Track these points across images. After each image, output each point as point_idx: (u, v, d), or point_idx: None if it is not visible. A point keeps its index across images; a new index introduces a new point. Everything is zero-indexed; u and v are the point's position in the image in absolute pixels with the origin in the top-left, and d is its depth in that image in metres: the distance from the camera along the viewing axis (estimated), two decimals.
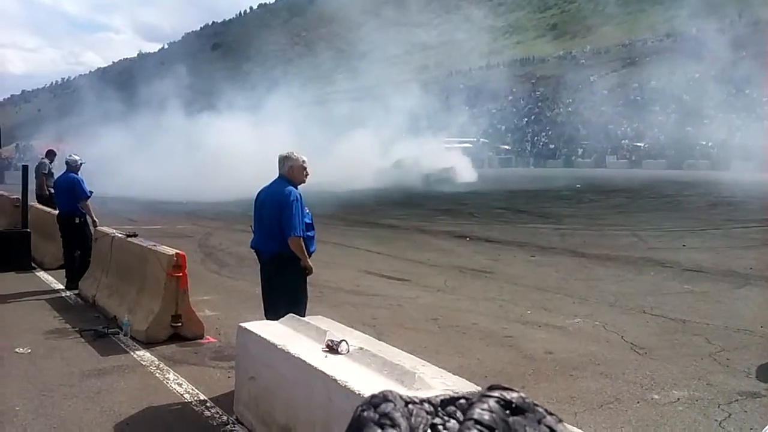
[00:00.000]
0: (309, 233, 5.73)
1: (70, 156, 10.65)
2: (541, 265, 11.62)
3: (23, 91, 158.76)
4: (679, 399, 5.26)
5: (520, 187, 29.82)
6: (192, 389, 5.50)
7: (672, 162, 44.79)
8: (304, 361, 3.99)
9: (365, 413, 0.76)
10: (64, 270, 10.29)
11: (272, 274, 5.75)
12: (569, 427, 0.73)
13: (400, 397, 0.76)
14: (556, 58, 79.78)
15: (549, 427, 0.70)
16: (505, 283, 10.09)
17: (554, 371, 5.99)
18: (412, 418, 0.73)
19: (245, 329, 4.80)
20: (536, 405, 0.71)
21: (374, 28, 69.98)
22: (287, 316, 5.01)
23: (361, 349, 4.09)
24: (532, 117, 63.17)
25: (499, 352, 6.70)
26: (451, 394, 0.76)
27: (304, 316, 5.26)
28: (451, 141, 40.16)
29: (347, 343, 4.14)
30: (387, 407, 0.73)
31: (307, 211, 5.73)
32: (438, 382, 3.59)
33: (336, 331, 4.53)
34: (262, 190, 5.92)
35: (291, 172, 5.73)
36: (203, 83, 35.18)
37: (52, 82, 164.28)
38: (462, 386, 3.56)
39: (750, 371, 5.87)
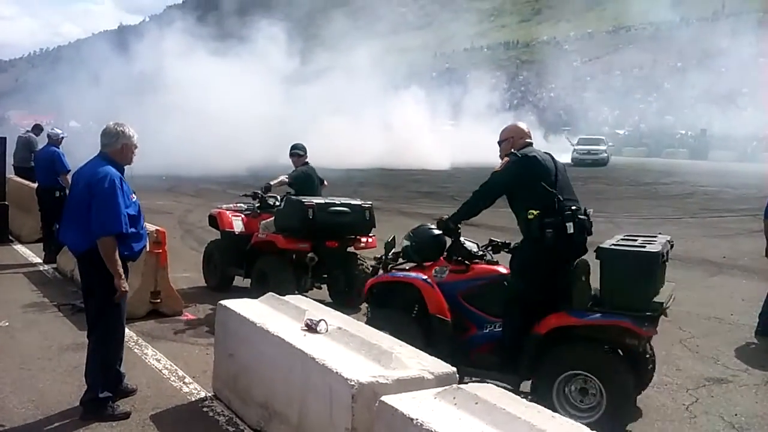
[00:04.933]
0: (132, 230, 4.54)
1: (52, 129, 10.61)
2: None
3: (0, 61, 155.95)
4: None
5: None
6: (170, 365, 5.54)
7: (652, 150, 45.13)
8: (282, 340, 4.04)
9: None
10: (41, 243, 10.24)
11: (88, 276, 4.62)
12: None
13: None
14: (540, 43, 79.81)
15: None
16: None
17: None
18: None
19: (225, 307, 4.84)
20: None
21: (359, 7, 69.54)
22: (267, 294, 5.05)
23: (339, 329, 4.15)
24: (515, 101, 63.24)
25: None
26: None
27: (120, 334, 4.74)
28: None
29: (326, 322, 4.20)
30: None
31: (134, 198, 4.65)
32: (414, 362, 3.66)
33: (315, 310, 4.59)
34: (78, 170, 4.73)
35: (122, 151, 4.65)
36: (184, 54, 34.67)
37: (30, 53, 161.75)
38: (437, 367, 3.64)
39: (718, 358, 6.04)
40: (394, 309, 5.08)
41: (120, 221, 4.41)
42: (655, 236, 4.70)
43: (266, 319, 4.41)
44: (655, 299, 4.31)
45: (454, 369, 3.68)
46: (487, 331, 4.84)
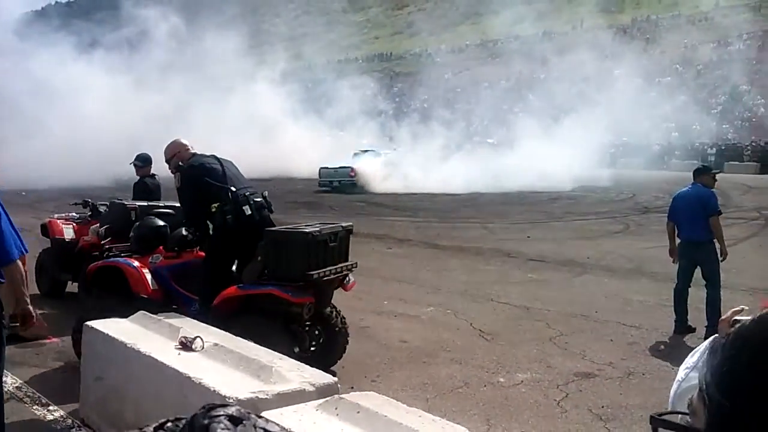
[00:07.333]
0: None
1: None
2: (397, 257, 11.92)
3: None
4: (522, 381, 5.61)
5: None
6: (33, 393, 5.17)
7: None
8: (156, 360, 3.88)
9: None
10: None
11: None
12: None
13: None
14: (413, 56, 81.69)
15: (263, 428, 0.82)
16: (363, 275, 10.25)
17: (408, 359, 6.19)
18: None
19: (91, 327, 4.58)
20: (249, 413, 0.84)
21: (229, 18, 68.34)
22: (138, 313, 4.83)
23: (216, 345, 4.03)
24: (390, 112, 64.29)
25: (356, 343, 6.80)
26: (162, 420, 0.87)
27: None
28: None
29: (202, 339, 4.07)
30: None
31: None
32: (295, 375, 3.61)
33: (190, 327, 4.43)
34: None
35: None
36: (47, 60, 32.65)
37: None
38: (318, 378, 3.61)
39: (585, 353, 6.37)
40: (115, 290, 5.71)
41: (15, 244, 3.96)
42: (330, 224, 5.52)
43: (137, 339, 4.22)
44: (315, 272, 5.01)
45: (336, 379, 3.67)
46: (193, 308, 5.53)
